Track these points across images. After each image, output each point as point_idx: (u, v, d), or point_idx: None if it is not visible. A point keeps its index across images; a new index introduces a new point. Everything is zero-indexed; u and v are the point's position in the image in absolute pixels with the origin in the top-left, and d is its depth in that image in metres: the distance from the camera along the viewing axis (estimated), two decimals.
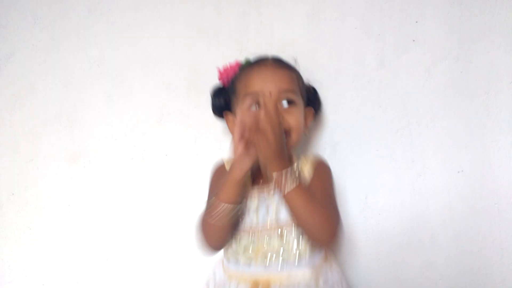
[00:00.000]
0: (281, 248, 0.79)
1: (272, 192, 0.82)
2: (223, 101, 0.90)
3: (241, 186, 0.75)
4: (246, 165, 0.74)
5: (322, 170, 0.87)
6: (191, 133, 1.07)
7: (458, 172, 1.04)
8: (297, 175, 0.76)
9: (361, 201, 1.06)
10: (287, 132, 0.81)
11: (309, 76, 0.98)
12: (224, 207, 0.74)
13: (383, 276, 1.07)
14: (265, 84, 0.80)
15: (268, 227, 0.80)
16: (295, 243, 0.80)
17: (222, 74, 0.91)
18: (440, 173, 1.05)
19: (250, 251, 0.80)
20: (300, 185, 0.75)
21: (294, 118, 0.82)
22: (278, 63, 0.86)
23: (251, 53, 1.04)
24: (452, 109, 1.04)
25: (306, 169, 0.85)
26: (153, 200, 1.08)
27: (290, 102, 0.82)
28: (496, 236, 1.04)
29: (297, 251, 0.79)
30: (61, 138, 1.08)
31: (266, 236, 0.80)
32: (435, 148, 1.04)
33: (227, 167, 0.86)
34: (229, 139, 1.05)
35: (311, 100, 0.93)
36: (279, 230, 0.80)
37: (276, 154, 0.72)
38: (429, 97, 1.04)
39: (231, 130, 0.90)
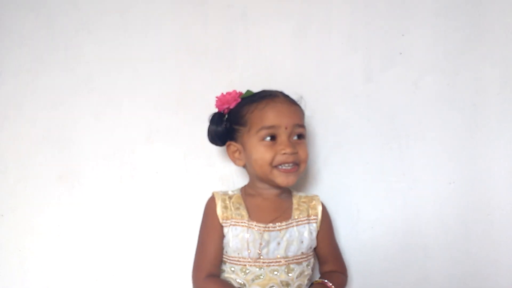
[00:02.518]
0: (287, 281, 0.85)
1: (284, 229, 0.87)
2: (224, 129, 0.92)
3: None
4: None
5: (329, 218, 0.95)
6: (180, 150, 1.07)
7: (449, 183, 1.04)
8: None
9: (353, 215, 1.06)
10: (297, 163, 0.87)
11: (297, 91, 0.98)
12: None
13: None
14: (281, 119, 0.85)
15: (277, 261, 0.85)
16: (300, 277, 0.87)
17: (222, 102, 0.92)
18: (431, 185, 1.04)
19: (258, 283, 0.84)
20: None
21: (304, 151, 0.88)
22: (289, 98, 0.90)
23: (239, 70, 1.06)
24: (441, 121, 1.04)
25: (318, 210, 0.92)
26: (144, 218, 1.07)
27: (300, 136, 0.89)
28: (489, 248, 1.04)
29: (299, 284, 0.87)
30: (49, 158, 1.08)
31: (274, 269, 0.85)
32: (425, 161, 1.04)
33: (217, 201, 0.89)
34: (219, 156, 1.05)
35: None
36: (287, 264, 0.86)
37: None
38: (417, 110, 1.04)
39: (233, 159, 0.92)
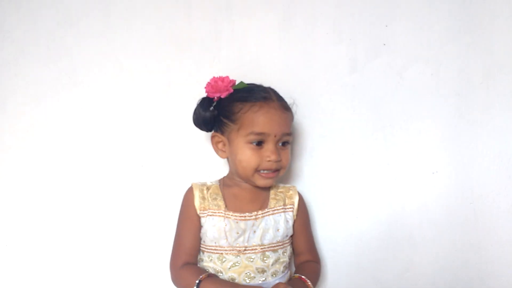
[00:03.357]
0: (262, 268, 0.87)
1: (260, 218, 0.89)
2: (211, 116, 0.90)
3: None
4: None
5: (305, 208, 0.98)
6: (166, 142, 1.07)
7: (433, 173, 1.05)
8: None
9: (338, 205, 1.07)
10: (278, 169, 0.89)
11: (282, 83, 0.98)
12: None
13: (363, 278, 1.07)
14: (272, 126, 0.86)
15: (253, 249, 0.87)
16: (275, 264, 0.89)
17: (213, 89, 0.89)
18: (415, 175, 1.05)
19: (234, 271, 0.86)
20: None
21: (286, 158, 0.90)
22: (282, 104, 0.89)
23: (224, 61, 1.05)
24: (425, 111, 1.05)
25: (295, 199, 0.94)
26: (130, 212, 1.07)
27: (286, 143, 0.90)
28: (472, 235, 1.05)
29: (275, 271, 0.89)
30: (34, 151, 1.07)
31: (250, 257, 0.87)
32: (409, 150, 1.05)
33: (195, 192, 0.90)
34: (205, 149, 1.04)
35: None
36: (262, 252, 0.88)
37: None
38: (402, 100, 1.05)
39: (216, 149, 0.93)
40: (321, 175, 1.07)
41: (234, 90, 0.90)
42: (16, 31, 1.07)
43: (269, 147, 0.86)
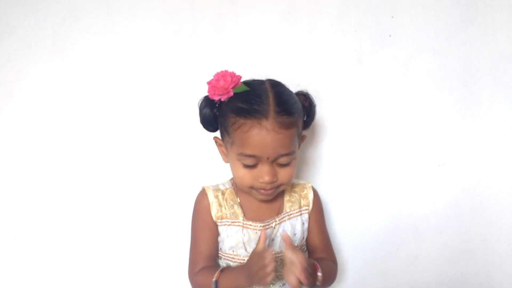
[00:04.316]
0: (281, 274, 0.84)
1: (277, 224, 0.86)
2: (212, 116, 0.84)
3: None
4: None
5: (319, 204, 0.93)
6: (170, 138, 1.07)
7: (439, 165, 1.05)
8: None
9: (344, 198, 1.07)
10: (277, 186, 0.82)
11: (286, 76, 0.97)
12: None
13: (368, 271, 1.07)
14: (263, 151, 0.77)
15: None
16: None
17: (213, 91, 0.81)
18: (421, 167, 1.05)
19: None
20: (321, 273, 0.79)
21: (287, 175, 0.81)
22: (279, 122, 0.76)
23: (228, 54, 1.05)
24: (431, 103, 1.04)
25: (309, 198, 0.90)
26: (134, 212, 1.08)
27: (286, 163, 0.81)
28: (479, 228, 1.05)
29: None
30: (40, 148, 1.08)
31: None
32: (415, 143, 1.05)
33: (210, 198, 0.86)
34: (210, 146, 1.04)
35: (308, 118, 0.89)
36: (281, 259, 0.83)
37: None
38: (408, 92, 1.04)
39: (220, 152, 0.88)
40: (325, 168, 1.07)
41: (234, 94, 0.80)
42: (21, 26, 1.07)
43: (263, 167, 0.78)
